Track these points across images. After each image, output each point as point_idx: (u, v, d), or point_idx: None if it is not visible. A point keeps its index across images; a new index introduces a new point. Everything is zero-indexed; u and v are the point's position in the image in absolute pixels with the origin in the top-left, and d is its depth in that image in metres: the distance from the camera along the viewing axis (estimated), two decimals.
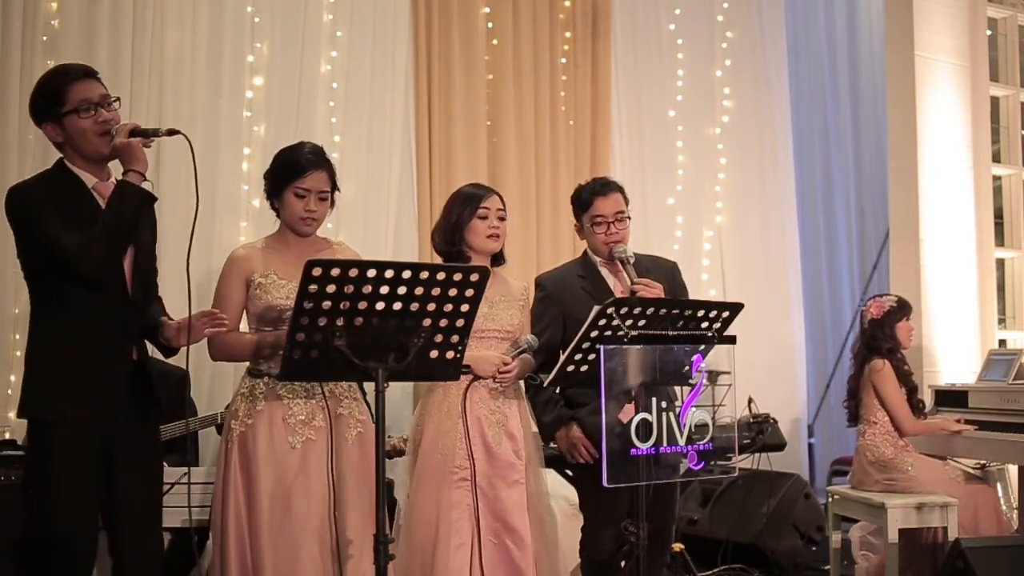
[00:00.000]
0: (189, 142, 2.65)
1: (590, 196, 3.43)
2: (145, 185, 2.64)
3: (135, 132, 2.65)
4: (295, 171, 2.91)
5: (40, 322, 2.69)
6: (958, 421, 4.43)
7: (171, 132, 2.67)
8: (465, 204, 3.22)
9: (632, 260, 3.33)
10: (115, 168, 2.72)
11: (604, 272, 3.48)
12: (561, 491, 4.64)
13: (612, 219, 3.39)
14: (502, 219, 3.24)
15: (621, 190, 3.49)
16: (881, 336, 4.40)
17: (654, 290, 3.23)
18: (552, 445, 3.51)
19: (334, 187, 2.98)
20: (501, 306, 3.20)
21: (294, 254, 2.91)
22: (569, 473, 4.58)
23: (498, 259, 3.30)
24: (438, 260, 3.36)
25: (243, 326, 3.01)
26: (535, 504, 3.18)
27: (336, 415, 2.87)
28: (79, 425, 2.59)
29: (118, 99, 2.72)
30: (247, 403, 2.87)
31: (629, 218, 3.46)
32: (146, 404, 2.73)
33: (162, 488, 2.85)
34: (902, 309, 4.45)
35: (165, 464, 3.63)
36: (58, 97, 2.64)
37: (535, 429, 3.27)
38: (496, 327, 3.18)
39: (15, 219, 2.65)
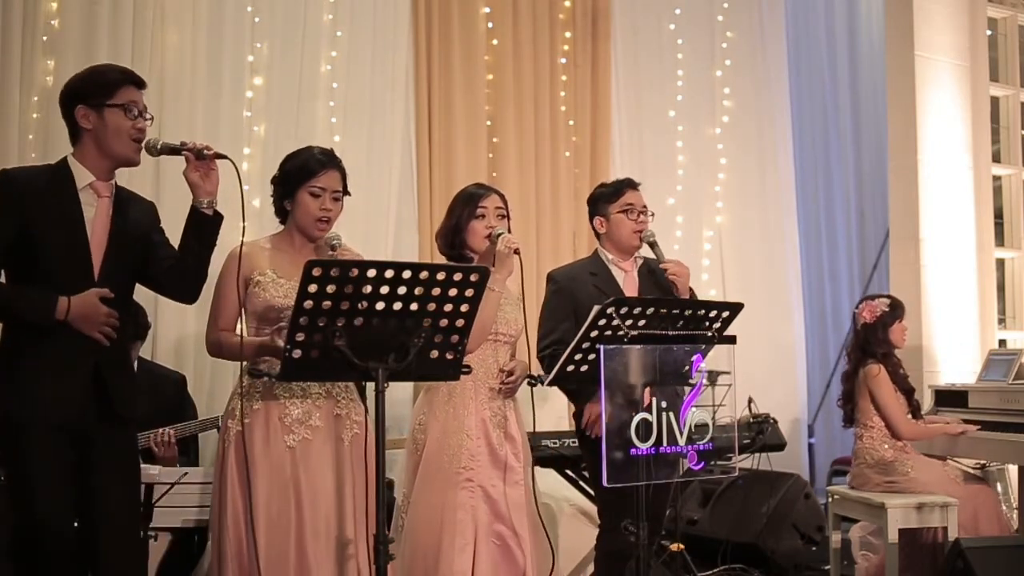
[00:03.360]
0: (236, 168, 2.67)
1: (621, 187, 3.58)
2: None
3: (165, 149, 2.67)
4: (308, 171, 2.90)
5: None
6: (961, 422, 4.43)
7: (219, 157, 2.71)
8: (464, 206, 3.21)
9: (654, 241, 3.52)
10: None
11: (615, 270, 3.51)
12: (562, 492, 4.65)
13: (640, 209, 3.54)
14: (502, 217, 3.22)
15: None
16: (875, 341, 4.39)
17: (682, 270, 3.41)
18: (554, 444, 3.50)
19: (345, 188, 2.98)
20: (507, 308, 3.20)
21: (298, 254, 2.89)
22: (570, 473, 4.60)
23: None
24: (441, 261, 3.36)
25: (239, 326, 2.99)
26: (531, 504, 3.18)
27: (333, 415, 2.87)
28: (45, 429, 2.56)
29: (152, 117, 2.75)
30: (244, 403, 2.85)
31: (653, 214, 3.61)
32: (109, 410, 2.66)
33: (139, 491, 2.82)
34: (895, 311, 4.43)
35: (177, 465, 3.64)
36: (108, 89, 2.65)
37: (530, 430, 3.27)
38: (505, 330, 3.18)
39: None
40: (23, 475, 2.59)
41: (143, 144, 2.68)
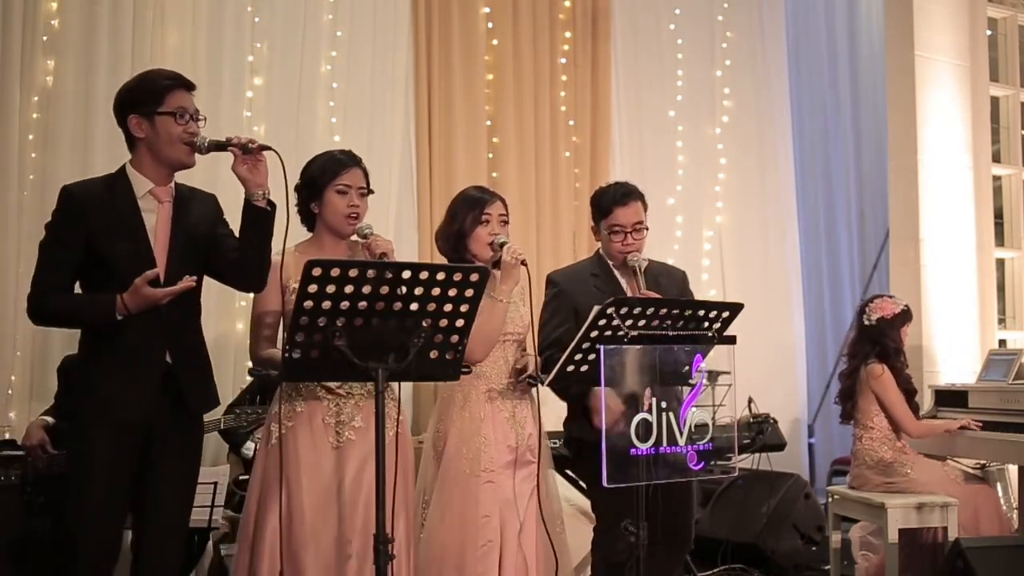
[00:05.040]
0: (280, 160, 2.62)
1: (610, 205, 3.43)
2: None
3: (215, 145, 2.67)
4: (333, 171, 2.92)
5: None
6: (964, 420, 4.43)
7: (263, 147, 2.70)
8: (468, 211, 3.20)
9: (644, 267, 3.36)
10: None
11: (617, 274, 3.47)
12: (562, 491, 4.64)
13: (630, 229, 3.40)
14: (504, 224, 3.22)
15: (641, 198, 3.49)
16: (891, 337, 4.39)
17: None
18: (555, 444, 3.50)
19: (368, 185, 2.99)
20: (512, 306, 3.19)
21: (331, 255, 2.88)
22: (570, 474, 4.59)
23: None
24: (440, 260, 3.35)
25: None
26: (544, 504, 3.17)
27: (375, 415, 2.85)
28: (112, 427, 2.61)
29: (205, 118, 2.76)
30: (287, 405, 2.84)
31: (647, 228, 3.46)
32: (180, 407, 2.70)
33: (194, 491, 2.84)
34: (906, 314, 4.46)
35: None
36: (158, 96, 2.67)
37: (547, 429, 3.27)
38: (512, 328, 3.18)
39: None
40: (77, 475, 2.65)
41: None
